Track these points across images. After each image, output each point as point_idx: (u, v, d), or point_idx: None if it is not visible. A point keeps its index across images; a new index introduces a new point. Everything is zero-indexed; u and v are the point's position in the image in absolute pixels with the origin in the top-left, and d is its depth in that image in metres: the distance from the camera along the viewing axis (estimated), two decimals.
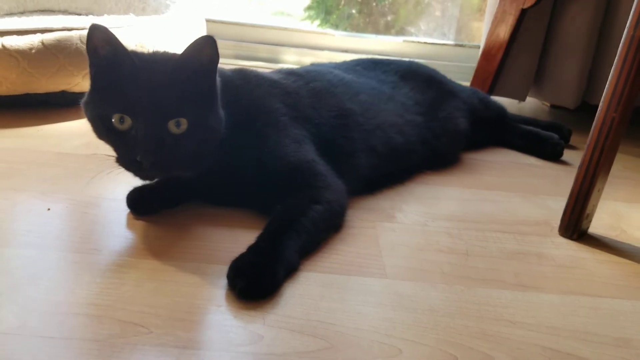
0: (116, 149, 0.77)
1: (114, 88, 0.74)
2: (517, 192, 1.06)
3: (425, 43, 1.89)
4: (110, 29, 1.19)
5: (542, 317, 0.71)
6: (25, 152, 1.04)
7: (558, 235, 0.91)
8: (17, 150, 1.05)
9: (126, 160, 0.75)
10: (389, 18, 2.26)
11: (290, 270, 0.74)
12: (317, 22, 2.40)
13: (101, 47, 0.75)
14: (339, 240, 0.83)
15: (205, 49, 0.75)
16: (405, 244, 0.84)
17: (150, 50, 0.84)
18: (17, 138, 1.10)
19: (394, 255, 0.81)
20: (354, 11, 2.30)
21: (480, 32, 1.98)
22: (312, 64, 1.21)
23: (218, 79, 0.81)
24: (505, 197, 1.04)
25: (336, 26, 2.30)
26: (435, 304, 0.71)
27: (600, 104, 0.85)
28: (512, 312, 0.71)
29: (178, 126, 0.74)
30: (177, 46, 1.37)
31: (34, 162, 1.00)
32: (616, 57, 0.83)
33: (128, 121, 0.73)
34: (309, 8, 2.50)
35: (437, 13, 2.21)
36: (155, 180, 0.85)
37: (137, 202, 0.86)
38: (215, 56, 0.76)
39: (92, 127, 0.79)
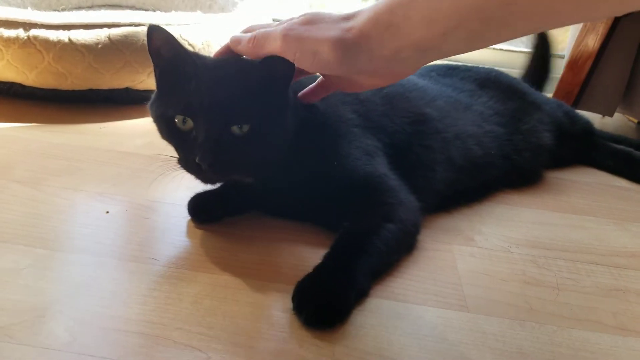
0: (178, 150, 0.72)
1: (177, 89, 0.69)
2: (609, 218, 0.95)
3: (500, 50, 1.78)
4: (177, 26, 1.16)
5: None
6: (86, 149, 1.01)
7: None
8: (79, 147, 1.02)
9: (187, 162, 0.70)
10: None
11: (361, 296, 0.67)
12: None
13: (162, 47, 0.70)
14: (412, 264, 0.76)
15: (278, 67, 0.66)
16: (487, 272, 0.76)
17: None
18: (79, 134, 1.08)
19: (475, 284, 0.73)
20: None
21: (559, 40, 1.86)
22: None
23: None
24: (596, 223, 0.93)
25: None
26: (525, 347, 0.62)
27: None
28: None
29: (240, 129, 0.68)
30: None
31: (95, 160, 0.97)
32: None
33: (190, 123, 0.68)
34: None
35: None
36: (217, 184, 0.80)
37: (198, 209, 0.81)
38: (288, 70, 0.67)
39: (157, 128, 0.74)
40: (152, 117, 0.74)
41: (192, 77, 0.68)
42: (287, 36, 0.58)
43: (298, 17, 0.60)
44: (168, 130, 0.71)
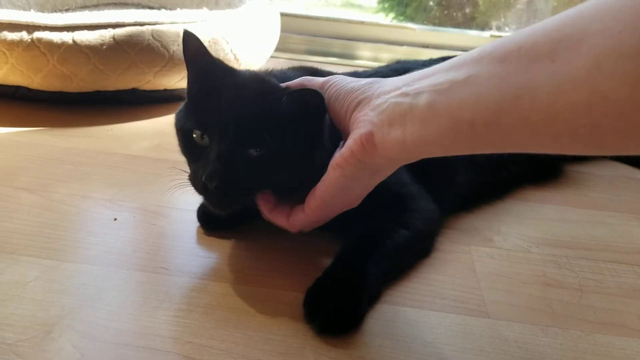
0: (190, 165, 0.68)
1: (202, 102, 0.66)
2: (632, 214, 0.92)
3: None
4: (182, 24, 1.13)
5: None
6: (93, 152, 1.00)
7: None
8: (86, 151, 1.00)
9: (195, 179, 0.66)
10: (467, 10, 2.13)
11: (372, 300, 0.65)
12: (392, 15, 2.30)
13: (197, 56, 0.67)
14: (429, 267, 0.73)
15: (310, 103, 0.63)
16: (507, 274, 0.73)
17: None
18: (86, 137, 1.06)
19: (495, 288, 0.70)
20: (431, 3, 2.18)
21: None
22: (398, 62, 1.10)
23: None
24: (619, 219, 0.90)
25: (412, 19, 2.19)
26: (548, 354, 0.60)
27: None
28: None
29: (257, 151, 0.63)
30: (251, 41, 1.30)
31: (102, 164, 0.96)
32: None
33: (207, 139, 0.65)
34: (383, 0, 2.39)
35: (520, 6, 2.07)
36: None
37: (208, 215, 0.78)
38: (319, 104, 0.63)
39: (177, 140, 0.71)
40: (175, 126, 0.71)
41: (217, 92, 0.65)
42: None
43: None
44: (185, 143, 0.68)
